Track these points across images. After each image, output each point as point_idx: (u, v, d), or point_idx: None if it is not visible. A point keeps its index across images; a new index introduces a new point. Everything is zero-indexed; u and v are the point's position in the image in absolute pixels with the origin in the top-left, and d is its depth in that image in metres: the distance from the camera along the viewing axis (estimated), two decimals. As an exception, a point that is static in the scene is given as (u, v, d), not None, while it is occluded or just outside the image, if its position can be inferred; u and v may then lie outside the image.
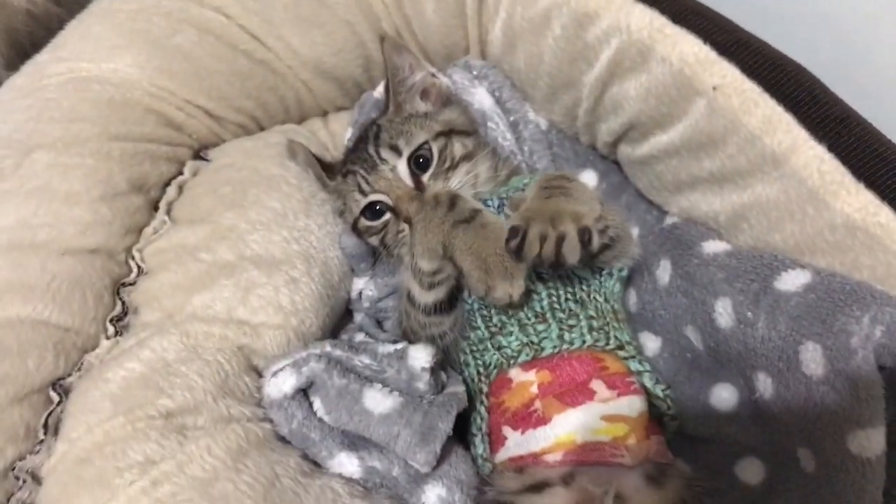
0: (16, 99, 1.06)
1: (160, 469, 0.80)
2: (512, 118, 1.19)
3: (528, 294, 0.92)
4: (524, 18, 1.14)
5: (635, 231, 1.14)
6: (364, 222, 1.07)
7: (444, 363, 0.97)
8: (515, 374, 0.92)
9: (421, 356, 0.89)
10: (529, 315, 0.93)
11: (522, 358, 0.92)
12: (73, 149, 1.00)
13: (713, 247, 1.02)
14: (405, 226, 1.01)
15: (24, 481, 0.83)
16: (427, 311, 0.94)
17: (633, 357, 0.95)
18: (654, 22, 1.02)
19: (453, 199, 0.90)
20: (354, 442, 0.90)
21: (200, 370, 0.90)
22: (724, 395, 0.99)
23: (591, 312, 0.95)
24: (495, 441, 0.92)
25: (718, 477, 0.96)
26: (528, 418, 0.89)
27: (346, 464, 0.90)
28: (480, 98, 1.18)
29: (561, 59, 1.11)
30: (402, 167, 1.03)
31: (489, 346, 0.94)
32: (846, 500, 0.82)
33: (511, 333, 0.93)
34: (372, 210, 1.05)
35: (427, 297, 0.93)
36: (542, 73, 1.15)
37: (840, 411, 0.81)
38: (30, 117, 1.03)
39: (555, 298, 0.94)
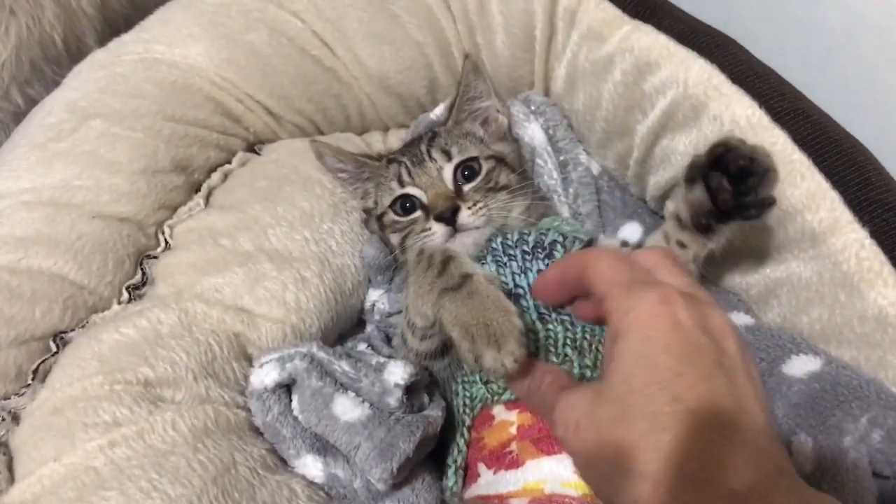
0: (91, 70, 1.13)
1: (121, 432, 0.82)
2: (562, 158, 1.18)
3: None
4: (588, 60, 1.13)
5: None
6: (391, 216, 1.07)
7: (431, 386, 0.96)
8: (498, 411, 0.89)
9: (397, 372, 0.88)
10: None
11: (507, 396, 0.88)
12: (127, 122, 1.06)
13: (736, 319, 0.97)
14: (433, 224, 0.99)
15: (3, 419, 0.87)
16: (419, 356, 0.94)
17: None
18: (713, 79, 0.99)
19: (445, 262, 0.88)
20: (324, 447, 0.91)
21: (188, 348, 0.92)
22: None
23: (587, 362, 0.91)
24: (469, 476, 0.90)
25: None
26: (502, 459, 0.86)
27: (311, 466, 0.90)
28: (533, 133, 1.18)
29: (618, 104, 1.10)
30: (448, 171, 1.04)
31: (478, 378, 0.91)
32: None
33: None
34: (402, 205, 1.05)
35: (420, 346, 0.93)
36: (598, 117, 1.14)
37: (825, 515, 0.75)
38: (97, 88, 1.09)
39: (551, 341, 0.90)
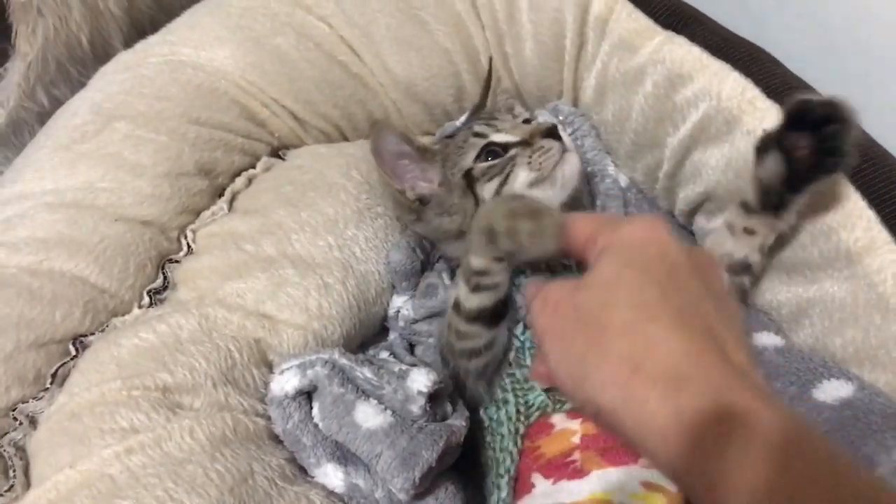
0: (117, 72, 1.13)
1: (138, 439, 0.81)
2: (590, 169, 1.16)
3: None
4: (619, 71, 1.12)
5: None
6: (482, 164, 1.02)
7: (454, 396, 0.94)
8: (559, 420, 0.87)
9: (421, 379, 0.87)
10: None
11: (570, 405, 0.87)
12: (152, 124, 1.06)
13: (765, 339, 0.94)
14: (544, 142, 0.99)
15: (21, 423, 0.86)
16: (469, 318, 0.91)
17: None
18: (747, 93, 0.97)
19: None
20: (345, 456, 0.89)
21: (207, 354, 0.90)
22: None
23: None
24: (520, 487, 0.87)
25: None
26: (563, 468, 0.83)
27: (332, 475, 0.88)
28: (561, 143, 1.16)
29: (648, 116, 1.09)
30: (520, 120, 1.06)
31: (536, 385, 0.89)
32: None
33: None
34: (488, 154, 1.02)
35: (472, 301, 0.90)
36: (628, 128, 1.13)
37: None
38: (122, 90, 1.09)
39: None
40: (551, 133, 1.00)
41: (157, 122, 1.06)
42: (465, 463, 0.93)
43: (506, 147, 1.02)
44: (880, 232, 0.86)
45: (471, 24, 1.22)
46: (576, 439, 0.84)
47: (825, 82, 0.98)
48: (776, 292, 0.98)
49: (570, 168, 0.99)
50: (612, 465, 0.81)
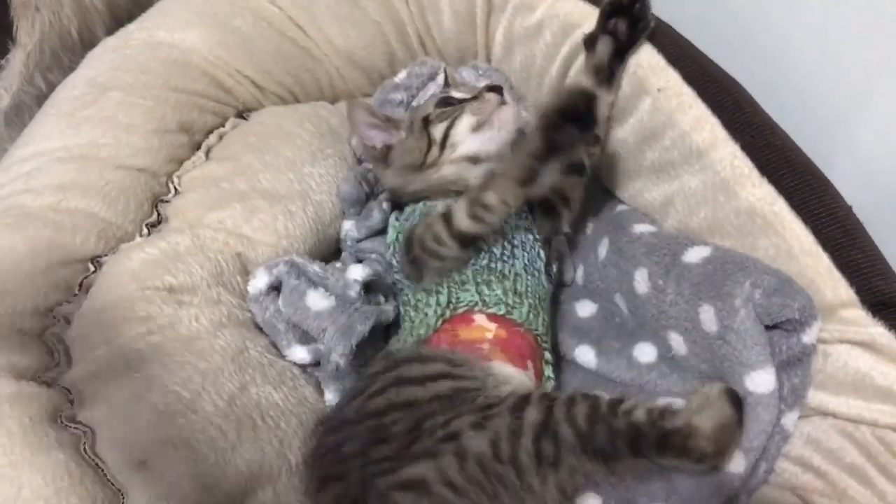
0: (105, 53, 1.35)
1: (156, 322, 1.04)
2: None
3: (513, 278, 1.10)
4: (522, 27, 1.36)
5: (591, 221, 1.35)
6: (438, 110, 1.22)
7: (388, 294, 1.19)
8: (480, 318, 1.05)
9: (357, 270, 1.13)
10: (509, 289, 1.08)
11: (495, 310, 1.05)
12: (139, 92, 1.27)
13: (641, 228, 1.20)
14: (487, 94, 1.19)
15: (59, 321, 1.06)
16: (452, 234, 1.06)
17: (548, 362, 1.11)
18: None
19: None
20: (307, 339, 1.12)
21: (202, 263, 1.13)
22: (645, 350, 1.16)
23: (548, 312, 1.15)
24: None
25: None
26: (471, 350, 1.01)
27: (299, 352, 1.11)
28: (483, 92, 1.40)
29: (549, 60, 1.32)
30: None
31: (472, 289, 1.07)
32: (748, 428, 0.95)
33: (494, 290, 1.07)
34: (445, 104, 1.23)
35: (464, 224, 1.05)
36: (533, 73, 1.37)
37: (734, 359, 0.97)
38: (111, 66, 1.30)
39: (531, 288, 1.12)
40: (493, 88, 1.21)
41: (143, 90, 1.28)
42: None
43: (460, 102, 1.22)
44: (721, 131, 1.09)
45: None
46: (489, 335, 1.04)
47: (687, 25, 1.21)
48: (650, 192, 1.22)
49: (506, 115, 1.17)
50: (511, 364, 1.01)
